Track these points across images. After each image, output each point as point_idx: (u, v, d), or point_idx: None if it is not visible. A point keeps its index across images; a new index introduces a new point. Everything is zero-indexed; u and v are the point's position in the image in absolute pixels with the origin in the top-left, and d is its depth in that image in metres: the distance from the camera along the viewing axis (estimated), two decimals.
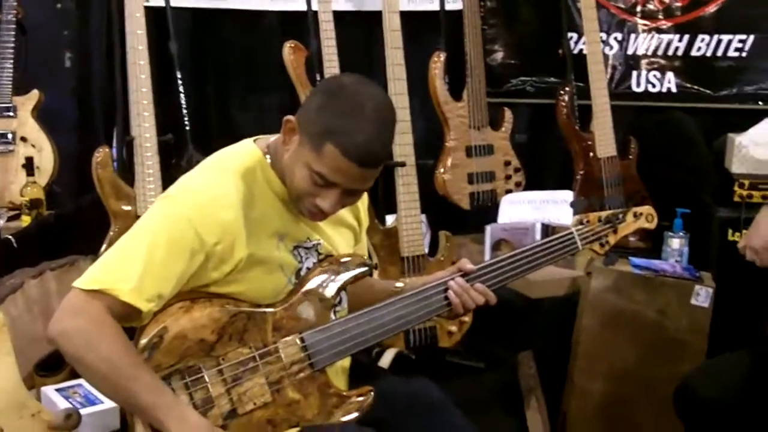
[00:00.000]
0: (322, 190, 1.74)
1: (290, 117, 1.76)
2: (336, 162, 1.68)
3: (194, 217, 1.71)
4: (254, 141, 1.88)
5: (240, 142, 1.89)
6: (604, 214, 2.14)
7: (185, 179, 1.82)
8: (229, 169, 1.80)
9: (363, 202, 2.05)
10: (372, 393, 1.87)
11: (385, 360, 2.84)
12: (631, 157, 3.58)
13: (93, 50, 3.97)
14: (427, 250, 3.16)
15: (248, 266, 1.77)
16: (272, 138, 1.87)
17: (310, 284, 1.86)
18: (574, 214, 2.11)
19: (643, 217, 2.17)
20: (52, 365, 2.22)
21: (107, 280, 1.65)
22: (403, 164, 2.98)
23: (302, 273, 1.87)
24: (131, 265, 1.66)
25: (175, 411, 1.65)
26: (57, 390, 2.09)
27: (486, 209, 3.59)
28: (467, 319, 3.05)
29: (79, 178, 3.74)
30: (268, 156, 1.84)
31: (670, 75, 3.72)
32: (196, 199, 1.75)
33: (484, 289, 1.93)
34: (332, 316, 1.88)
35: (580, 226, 2.11)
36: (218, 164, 1.84)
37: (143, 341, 1.71)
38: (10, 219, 3.33)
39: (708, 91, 3.69)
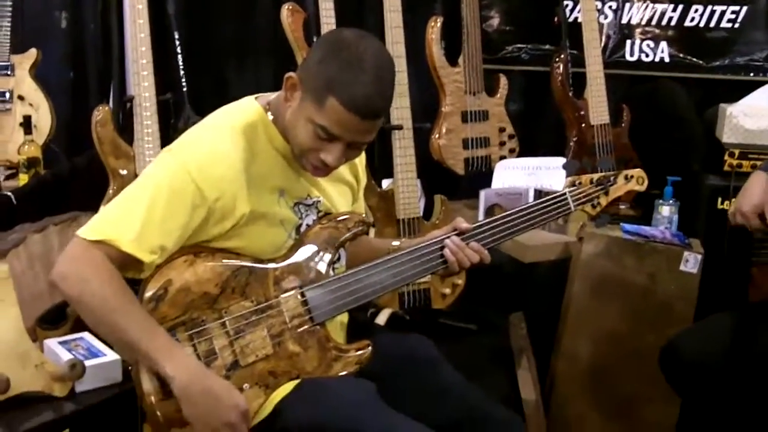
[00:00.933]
0: (325, 144, 1.76)
1: (291, 73, 1.78)
2: (338, 115, 1.71)
3: (195, 171, 1.74)
4: (255, 98, 1.91)
5: (241, 99, 1.92)
6: (596, 176, 2.17)
7: (188, 134, 1.85)
8: (231, 126, 1.83)
9: (361, 161, 2.08)
10: (370, 347, 1.91)
11: (380, 320, 2.88)
12: (623, 125, 3.60)
13: (88, 11, 3.96)
14: (421, 215, 3.19)
15: (249, 222, 1.81)
16: (273, 95, 1.89)
17: (310, 240, 1.90)
18: (567, 176, 2.13)
19: (634, 180, 2.20)
20: (54, 319, 2.24)
21: (108, 230, 1.69)
22: (400, 127, 3.00)
23: (302, 229, 1.91)
24: (133, 216, 1.70)
25: (167, 349, 1.69)
26: (60, 343, 2.12)
27: (480, 175, 3.61)
28: (460, 281, 3.09)
29: (74, 137, 3.75)
30: (269, 113, 1.87)
31: (663, 45, 3.74)
32: (197, 154, 1.78)
33: (479, 248, 1.97)
34: (331, 272, 1.92)
35: (572, 188, 2.14)
36: (220, 120, 1.87)
37: (148, 293, 1.75)
38: (7, 178, 3.34)
39: (700, 62, 3.72)
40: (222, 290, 1.79)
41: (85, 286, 1.68)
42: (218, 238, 1.81)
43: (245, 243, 1.83)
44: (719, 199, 3.22)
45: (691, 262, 2.86)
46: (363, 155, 2.07)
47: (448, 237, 1.95)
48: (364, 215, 2.02)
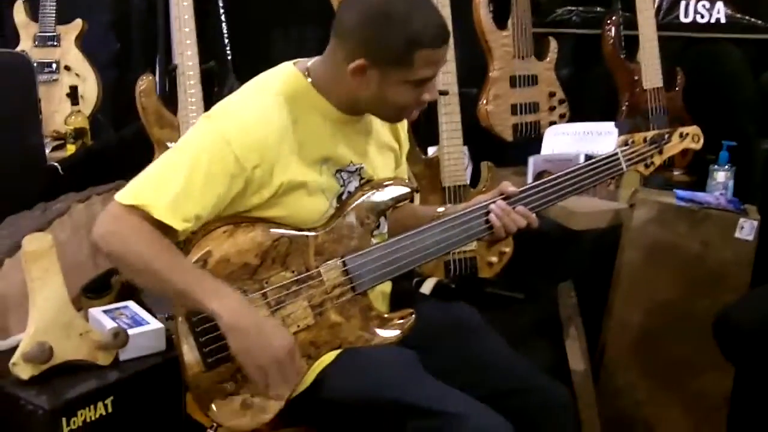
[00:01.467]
0: (422, 90, 1.78)
1: (357, 61, 1.73)
2: (430, 58, 1.74)
3: (234, 139, 1.71)
4: (294, 63, 1.88)
5: (279, 65, 1.89)
6: (649, 134, 2.09)
7: (227, 101, 1.83)
8: (271, 91, 1.81)
9: (402, 126, 2.05)
10: (413, 315, 1.89)
11: (425, 288, 2.86)
12: (677, 88, 3.51)
13: None
14: (468, 181, 3.15)
15: (289, 190, 1.78)
16: (311, 60, 1.87)
17: (352, 208, 1.87)
18: (620, 134, 2.07)
19: (690, 137, 2.13)
20: (99, 288, 2.25)
21: (144, 196, 1.68)
22: (446, 93, 2.95)
23: (344, 197, 1.88)
24: (168, 183, 1.69)
25: (213, 289, 1.67)
26: (104, 311, 2.12)
27: (529, 141, 3.55)
28: (508, 249, 3.05)
29: (120, 108, 3.77)
30: (309, 78, 1.83)
31: (719, 5, 3.61)
32: (236, 121, 1.75)
33: (525, 212, 1.92)
34: (372, 240, 1.89)
35: (624, 147, 2.07)
36: (259, 86, 1.85)
37: None
38: (54, 149, 3.36)
39: (759, 22, 3.59)
40: (262, 261, 1.78)
41: (125, 242, 1.68)
42: (258, 208, 1.79)
43: (285, 212, 1.80)
44: None
45: (746, 229, 2.78)
46: (405, 122, 2.04)
47: (494, 202, 1.91)
48: (407, 181, 1.98)
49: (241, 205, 1.77)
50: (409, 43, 1.71)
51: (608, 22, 3.48)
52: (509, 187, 1.93)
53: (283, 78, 1.84)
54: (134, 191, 1.70)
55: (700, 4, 3.65)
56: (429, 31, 1.72)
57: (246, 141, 1.72)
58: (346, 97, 1.81)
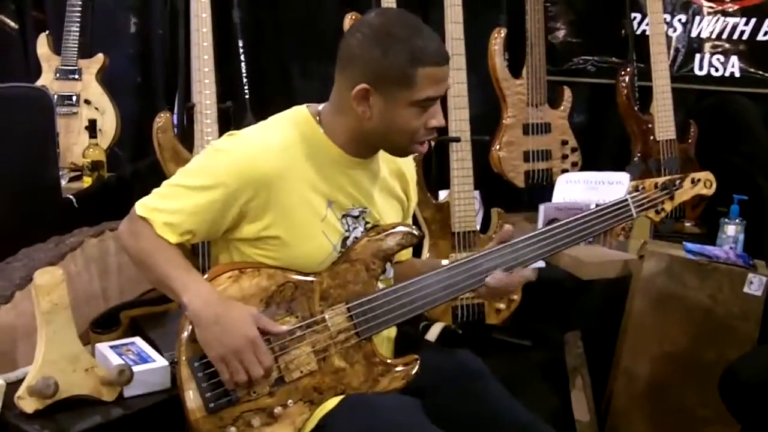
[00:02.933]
0: (428, 113, 1.81)
1: (359, 86, 1.77)
2: (432, 76, 1.77)
3: (232, 172, 1.78)
4: (307, 107, 1.91)
5: (292, 108, 1.92)
6: (660, 180, 2.08)
7: (236, 134, 1.87)
8: (278, 131, 1.85)
9: (412, 177, 2.08)
10: (418, 362, 1.89)
11: (432, 334, 2.86)
12: (690, 140, 3.53)
13: (156, 16, 4.03)
14: (479, 227, 3.16)
15: (288, 229, 1.81)
16: (321, 106, 1.90)
17: (357, 253, 1.88)
18: (631, 178, 2.05)
19: (701, 183, 2.11)
20: (108, 323, 2.27)
21: (148, 210, 1.81)
22: (458, 140, 2.97)
23: (349, 242, 1.89)
24: (168, 203, 1.81)
25: (187, 282, 1.77)
26: (111, 347, 2.14)
27: (541, 188, 3.57)
28: (516, 297, 3.04)
29: (140, 141, 3.81)
30: (319, 121, 1.87)
31: (734, 59, 3.64)
32: (237, 154, 1.80)
33: (520, 277, 1.92)
34: (379, 285, 1.91)
35: (635, 193, 2.06)
36: (268, 126, 1.89)
37: None
38: (71, 180, 3.41)
39: None
40: (267, 306, 1.80)
41: (135, 240, 1.83)
42: (260, 241, 1.82)
43: (287, 254, 1.83)
44: None
45: (755, 284, 2.78)
46: (414, 174, 2.09)
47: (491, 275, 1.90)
48: (413, 226, 2.00)
49: (246, 232, 1.82)
50: (411, 61, 1.74)
51: (622, 72, 3.51)
52: (507, 233, 1.93)
53: (293, 119, 1.88)
54: (144, 204, 1.83)
55: (714, 57, 3.68)
56: (430, 50, 1.77)
57: (243, 175, 1.77)
58: (353, 133, 1.84)
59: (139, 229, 1.81)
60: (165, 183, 1.86)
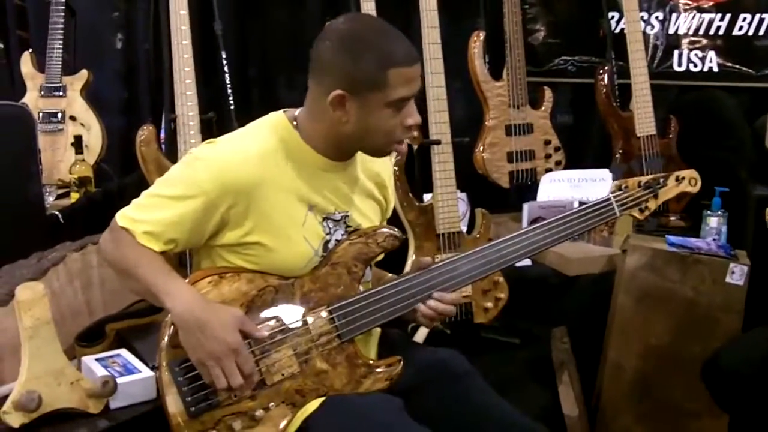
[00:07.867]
0: (403, 113, 1.83)
1: (334, 92, 1.79)
2: (403, 76, 1.79)
3: (210, 179, 1.79)
4: (284, 112, 1.93)
5: (270, 114, 1.95)
6: (644, 179, 2.10)
7: (214, 141, 1.89)
8: (257, 138, 1.88)
9: (390, 179, 2.11)
10: (401, 363, 1.91)
11: (420, 335, 2.87)
12: (671, 135, 3.55)
13: (141, 32, 4.04)
14: (465, 228, 3.18)
15: (269, 233, 1.83)
16: (297, 111, 1.92)
17: (339, 256, 1.90)
18: (614, 178, 2.06)
19: (686, 181, 2.12)
20: (93, 336, 2.28)
21: (129, 220, 1.82)
22: (438, 142, 2.99)
23: (330, 245, 1.91)
24: (148, 213, 1.82)
25: (168, 287, 1.78)
26: (97, 359, 2.15)
27: (526, 187, 3.60)
28: (503, 295, 3.05)
29: (128, 156, 3.82)
30: (296, 127, 1.89)
31: (711, 54, 3.68)
32: (215, 162, 1.82)
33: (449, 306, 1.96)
34: (359, 288, 1.93)
35: (618, 192, 2.08)
36: (247, 133, 1.92)
37: None
38: (59, 197, 3.42)
39: (750, 71, 3.63)
40: (248, 310, 1.81)
41: (117, 250, 1.84)
42: (242, 247, 1.84)
43: (269, 260, 1.85)
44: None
45: (737, 274, 2.80)
46: (392, 175, 2.12)
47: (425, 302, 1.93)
48: (394, 229, 2.01)
49: (227, 238, 1.84)
50: (381, 64, 1.77)
51: (600, 71, 3.54)
52: (423, 263, 1.96)
53: (271, 125, 1.90)
54: (125, 215, 1.84)
55: (692, 53, 3.71)
56: (399, 51, 1.79)
57: (221, 182, 1.79)
58: (331, 137, 1.86)
59: (120, 237, 1.82)
60: (145, 193, 1.87)
